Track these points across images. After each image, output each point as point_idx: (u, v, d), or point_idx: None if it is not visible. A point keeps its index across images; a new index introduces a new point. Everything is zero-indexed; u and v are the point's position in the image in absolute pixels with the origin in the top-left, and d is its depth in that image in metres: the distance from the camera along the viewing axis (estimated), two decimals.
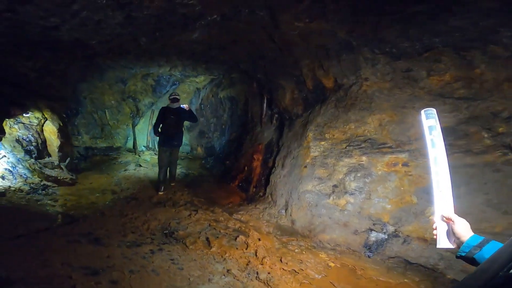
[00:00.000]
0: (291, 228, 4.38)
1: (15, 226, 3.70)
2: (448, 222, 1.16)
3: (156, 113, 9.80)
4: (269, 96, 6.23)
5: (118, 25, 3.78)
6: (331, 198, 4.06)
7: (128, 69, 7.56)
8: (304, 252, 3.77)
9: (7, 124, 5.47)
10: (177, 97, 5.99)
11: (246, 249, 3.65)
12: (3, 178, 5.01)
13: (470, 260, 1.07)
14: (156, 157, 8.17)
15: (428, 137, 1.23)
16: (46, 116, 6.10)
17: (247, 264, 3.32)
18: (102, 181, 6.34)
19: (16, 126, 5.68)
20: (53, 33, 3.56)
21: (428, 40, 3.17)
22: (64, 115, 6.92)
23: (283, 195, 4.79)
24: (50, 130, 6.30)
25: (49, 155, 6.21)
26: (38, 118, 5.97)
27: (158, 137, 5.99)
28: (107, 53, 5.17)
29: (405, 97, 3.57)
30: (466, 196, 3.14)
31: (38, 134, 6.01)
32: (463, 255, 1.08)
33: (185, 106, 6.09)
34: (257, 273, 3.13)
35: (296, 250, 3.81)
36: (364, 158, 3.82)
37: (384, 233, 3.65)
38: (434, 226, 1.19)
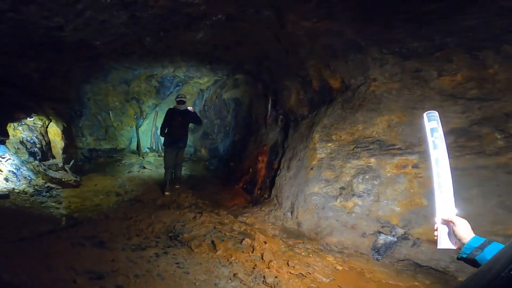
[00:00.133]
0: (297, 231, 4.32)
1: (19, 228, 3.67)
2: (449, 224, 1.14)
3: (160, 115, 9.86)
4: (274, 97, 6.17)
5: (122, 25, 3.74)
6: (338, 200, 3.99)
7: (132, 70, 7.55)
8: (311, 255, 3.70)
9: (11, 126, 5.46)
10: (183, 99, 6.01)
11: (252, 252, 3.58)
12: (7, 180, 4.99)
13: (472, 261, 1.05)
14: (160, 159, 8.18)
15: (430, 139, 1.24)
16: (50, 117, 6.09)
17: (254, 268, 3.25)
18: (106, 183, 6.31)
19: (20, 128, 5.68)
20: (56, 33, 3.53)
21: (440, 39, 3.09)
22: (68, 117, 6.91)
23: (288, 197, 4.72)
24: (54, 132, 6.29)
25: (53, 157, 6.20)
26: (42, 119, 5.96)
27: (163, 138, 6.05)
28: (110, 53, 5.15)
29: (414, 97, 3.50)
30: (479, 198, 3.07)
31: (42, 135, 6.00)
32: (464, 257, 1.07)
33: (190, 108, 6.11)
34: (264, 277, 3.06)
35: (303, 253, 3.75)
36: (372, 160, 3.75)
37: (393, 235, 3.57)
38: (435, 227, 1.19)
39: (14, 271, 2.54)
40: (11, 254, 2.91)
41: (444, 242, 1.15)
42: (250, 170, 6.33)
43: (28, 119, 5.49)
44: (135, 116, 9.74)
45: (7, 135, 4.96)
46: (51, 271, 2.68)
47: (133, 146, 9.59)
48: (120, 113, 9.41)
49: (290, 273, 3.21)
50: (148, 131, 9.98)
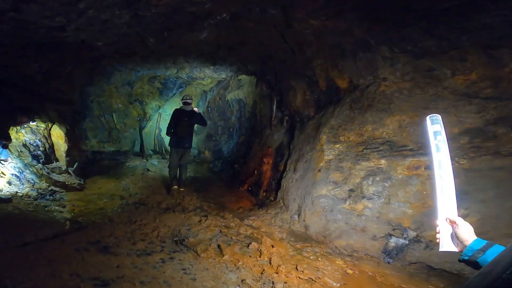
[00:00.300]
0: (304, 234, 4.24)
1: (22, 233, 3.60)
2: (452, 226, 1.15)
3: (164, 116, 9.82)
4: (279, 97, 6.09)
5: (125, 25, 3.67)
6: (347, 202, 3.90)
7: (134, 71, 7.50)
8: (320, 259, 3.61)
9: (14, 128, 5.41)
10: (188, 100, 6.04)
11: (260, 256, 3.50)
12: (10, 183, 4.94)
13: (473, 263, 1.06)
14: (164, 161, 8.13)
15: (433, 142, 1.24)
16: (53, 120, 6.04)
17: (262, 273, 3.17)
18: (110, 186, 6.25)
19: (23, 131, 5.63)
20: (58, 33, 3.46)
21: (455, 38, 2.99)
22: (72, 119, 6.86)
23: (295, 200, 4.64)
24: (58, 135, 6.24)
25: (57, 160, 6.15)
26: (45, 122, 5.91)
27: (169, 138, 6.12)
28: (113, 54, 5.09)
29: (427, 97, 3.40)
30: (495, 200, 2.98)
31: (46, 138, 5.95)
32: (466, 259, 1.08)
33: (195, 109, 6.14)
34: (273, 282, 2.97)
35: (311, 257, 3.66)
36: (383, 161, 3.66)
37: (405, 238, 3.48)
38: (437, 230, 1.19)
39: (17, 278, 2.48)
40: (15, 260, 2.84)
41: (446, 245, 1.15)
42: (255, 172, 6.25)
43: (31, 123, 5.44)
44: (138, 118, 9.71)
45: (9, 139, 4.91)
46: (55, 277, 2.61)
47: (137, 148, 9.55)
48: (124, 115, 9.37)
49: (300, 278, 3.13)
50: (151, 133, 9.94)
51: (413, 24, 3.02)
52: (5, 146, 4.89)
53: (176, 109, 6.04)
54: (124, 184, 6.30)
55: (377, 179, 3.67)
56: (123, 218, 4.27)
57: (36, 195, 4.95)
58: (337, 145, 4.19)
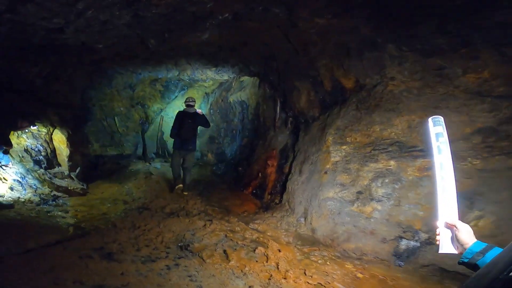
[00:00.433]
0: (311, 237, 4.15)
1: (25, 239, 3.54)
2: (452, 228, 1.15)
3: (166, 119, 9.76)
4: (282, 98, 6.01)
5: (125, 26, 3.60)
6: (355, 205, 3.82)
7: (136, 74, 7.46)
8: (328, 263, 3.53)
9: (15, 133, 5.35)
10: (191, 103, 6.08)
11: (267, 261, 3.42)
12: (12, 189, 4.88)
13: (473, 266, 1.06)
14: (167, 164, 8.06)
15: (434, 144, 1.26)
16: (54, 124, 5.98)
17: (269, 279, 3.09)
18: (113, 190, 6.18)
19: (24, 136, 5.57)
20: (58, 36, 3.40)
21: (467, 35, 2.90)
22: (73, 123, 6.80)
23: (301, 203, 4.55)
24: (59, 139, 6.18)
25: (59, 165, 6.09)
26: (46, 126, 5.85)
27: (173, 140, 6.13)
28: (114, 57, 5.04)
29: (437, 96, 3.31)
30: (510, 201, 2.88)
31: (47, 143, 5.89)
32: (466, 261, 1.08)
33: (198, 110, 6.16)
34: None
35: (319, 261, 3.58)
36: (392, 162, 3.57)
37: (416, 240, 3.40)
38: (437, 232, 1.19)
39: (20, 286, 2.43)
40: (17, 267, 2.78)
41: (446, 247, 1.15)
42: (259, 174, 6.17)
43: (32, 127, 5.37)
44: (140, 121, 9.65)
45: (10, 145, 4.84)
46: (59, 285, 2.56)
47: (139, 151, 9.48)
48: (126, 118, 9.32)
49: (308, 283, 3.05)
50: (154, 136, 9.86)
51: (424, 21, 2.94)
52: (6, 152, 4.83)
53: (179, 112, 6.08)
54: (127, 189, 6.23)
55: (387, 180, 3.58)
56: (126, 224, 4.20)
57: (39, 201, 4.89)
58: (344, 147, 4.11)
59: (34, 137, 5.70)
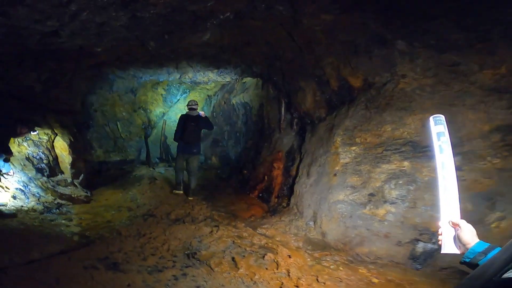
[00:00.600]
0: (322, 242, 4.02)
1: (28, 249, 3.44)
2: (455, 228, 1.13)
3: (169, 123, 9.67)
4: (287, 99, 5.89)
5: (123, 28, 3.49)
6: (368, 208, 3.68)
7: (137, 78, 7.37)
8: (341, 268, 3.40)
9: (16, 141, 5.27)
10: (194, 106, 6.05)
11: (277, 268, 3.30)
12: (14, 198, 4.79)
13: (474, 266, 1.03)
14: (171, 169, 7.96)
15: (436, 143, 1.22)
16: (55, 131, 5.90)
17: (281, 287, 2.96)
18: (117, 197, 6.08)
19: (25, 144, 5.48)
20: (53, 40, 3.29)
21: (484, 30, 2.77)
22: (75, 129, 6.71)
23: (310, 206, 4.42)
24: (61, 146, 6.09)
25: (62, 172, 6.00)
26: (47, 134, 5.77)
27: (177, 144, 6.12)
28: (114, 61, 4.95)
29: (452, 93, 3.17)
30: None
31: (49, 150, 5.80)
32: (467, 261, 1.06)
33: (201, 113, 6.08)
34: None
35: (332, 267, 3.45)
36: (406, 163, 3.43)
37: (433, 243, 3.26)
38: (439, 231, 1.17)
39: None
40: (20, 279, 2.69)
41: (449, 247, 1.14)
42: (265, 177, 6.05)
43: (32, 133, 5.26)
44: (143, 126, 9.57)
45: (10, 153, 4.76)
46: None
47: (143, 156, 9.39)
48: (128, 123, 9.24)
49: None
50: (157, 141, 9.77)
51: (439, 16, 2.81)
52: (7, 160, 4.75)
53: (182, 115, 6.02)
54: (131, 195, 6.12)
55: (400, 182, 3.44)
56: (131, 231, 4.09)
57: (42, 209, 4.80)
58: (353, 147, 3.98)
59: (36, 144, 5.61)
